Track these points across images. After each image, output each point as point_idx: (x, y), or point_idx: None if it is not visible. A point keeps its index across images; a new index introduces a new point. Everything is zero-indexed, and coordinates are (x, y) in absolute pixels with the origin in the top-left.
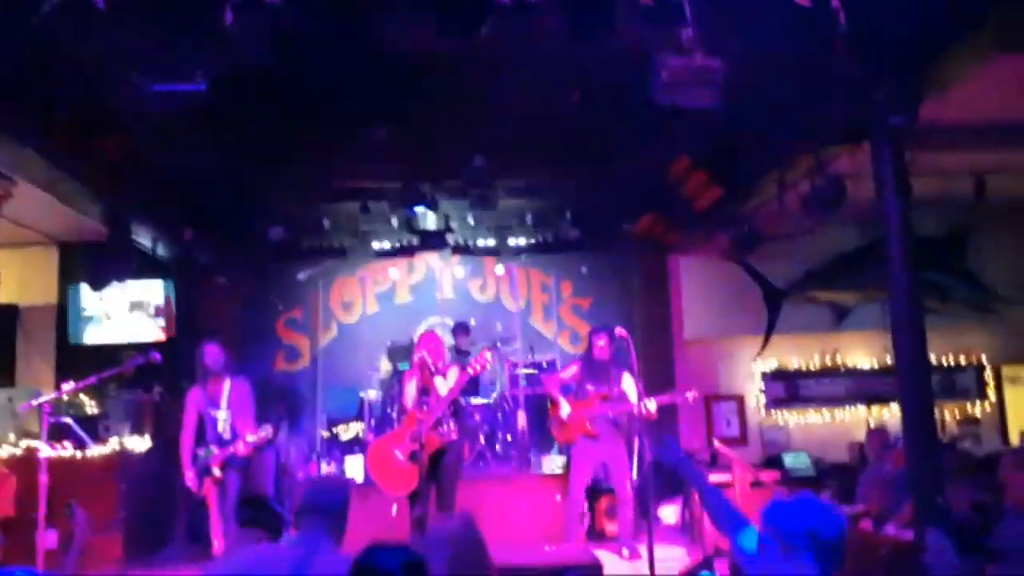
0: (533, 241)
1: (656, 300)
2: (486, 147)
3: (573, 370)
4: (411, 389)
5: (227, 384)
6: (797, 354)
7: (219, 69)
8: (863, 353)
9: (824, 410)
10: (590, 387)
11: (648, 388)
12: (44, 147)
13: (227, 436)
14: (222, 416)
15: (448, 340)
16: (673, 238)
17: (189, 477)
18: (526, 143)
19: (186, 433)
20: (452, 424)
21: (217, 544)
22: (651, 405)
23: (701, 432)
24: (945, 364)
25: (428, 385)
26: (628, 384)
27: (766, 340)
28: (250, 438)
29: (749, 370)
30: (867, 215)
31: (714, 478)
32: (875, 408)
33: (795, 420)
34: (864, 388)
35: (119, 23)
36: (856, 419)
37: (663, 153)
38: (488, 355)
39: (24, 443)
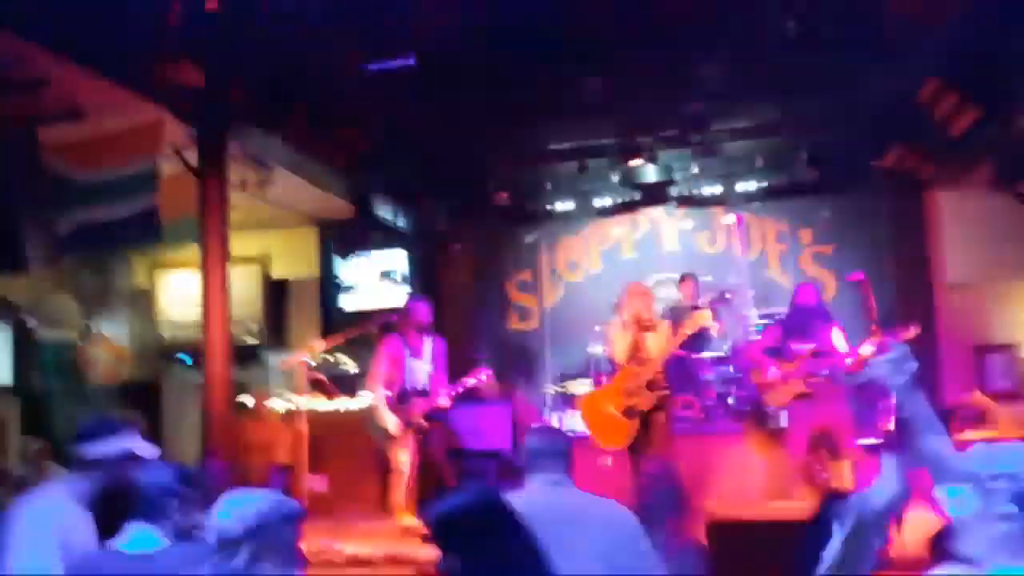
0: (765, 186)
1: (912, 242)
2: (703, 89)
3: (772, 335)
4: (622, 343)
5: (428, 340)
6: None
7: (427, 38)
8: None
9: None
10: (795, 345)
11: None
12: (290, 135)
13: (428, 388)
14: (425, 368)
15: (673, 294)
16: (928, 171)
17: (394, 424)
18: (747, 80)
19: (376, 379)
20: (664, 381)
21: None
22: (865, 350)
23: (969, 386)
24: None
25: (639, 340)
26: (838, 339)
27: None
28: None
29: None
30: None
31: (976, 436)
32: None
33: None
34: None
35: (326, 10)
36: None
37: (908, 76)
38: (703, 315)
39: (297, 399)
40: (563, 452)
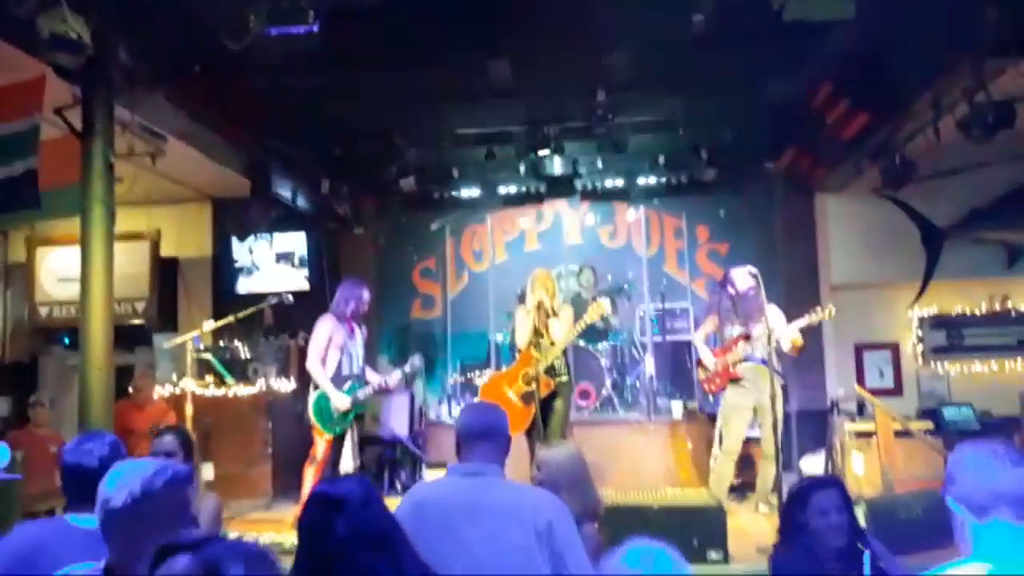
0: (666, 182)
1: (801, 243)
2: (610, 80)
3: (712, 320)
4: (525, 328)
5: (357, 326)
6: (961, 299)
7: (332, 8)
8: None
9: (992, 360)
10: (729, 330)
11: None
12: (184, 103)
13: (362, 374)
14: (360, 352)
15: (573, 286)
16: (819, 175)
17: (343, 401)
18: (652, 74)
19: (317, 359)
20: (565, 368)
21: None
22: (791, 332)
23: (850, 382)
24: None
25: (543, 326)
26: (773, 317)
27: (924, 284)
28: (391, 379)
29: (905, 317)
30: None
31: (855, 426)
32: None
33: (957, 370)
34: None
35: None
36: None
37: (802, 80)
38: (603, 304)
39: (183, 382)
40: (497, 433)
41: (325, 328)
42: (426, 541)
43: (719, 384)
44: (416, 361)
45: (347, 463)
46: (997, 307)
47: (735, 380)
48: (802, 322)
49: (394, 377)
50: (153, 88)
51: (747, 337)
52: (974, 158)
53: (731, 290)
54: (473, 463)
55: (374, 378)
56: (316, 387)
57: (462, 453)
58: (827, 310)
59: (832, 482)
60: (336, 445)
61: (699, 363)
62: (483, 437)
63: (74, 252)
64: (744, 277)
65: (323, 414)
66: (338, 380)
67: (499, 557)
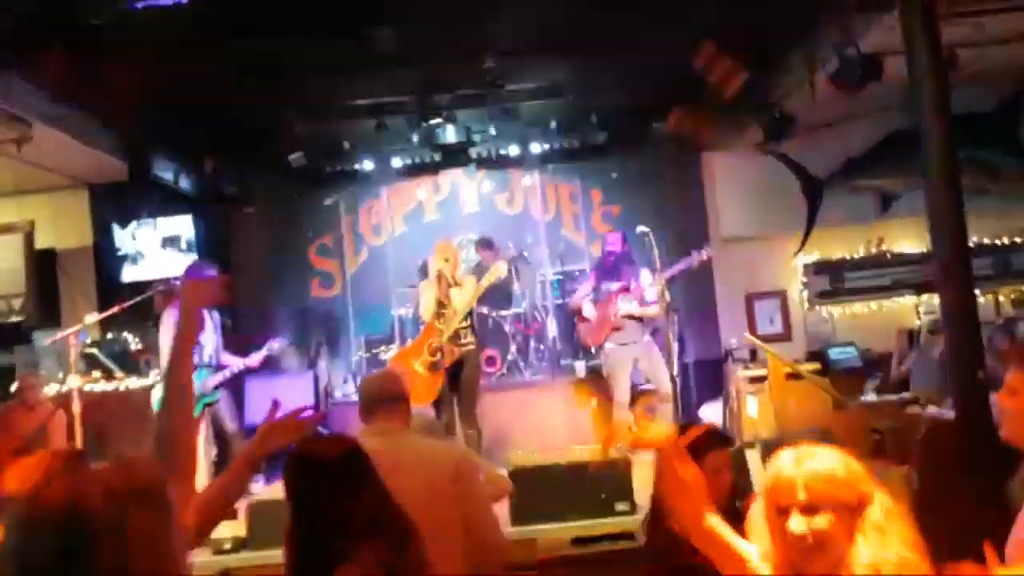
0: (559, 147)
1: (690, 200)
2: (498, 46)
3: (590, 282)
4: (428, 300)
5: (207, 313)
6: (841, 246)
7: None
8: (912, 240)
9: (871, 301)
10: (607, 286)
11: (687, 287)
12: (50, 83)
13: (215, 360)
14: (211, 339)
15: (473, 255)
16: (704, 134)
17: None
18: (539, 39)
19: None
20: (471, 335)
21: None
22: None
23: (742, 330)
24: (1000, 244)
25: (445, 296)
26: (647, 279)
27: (807, 233)
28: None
29: (791, 265)
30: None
31: (748, 373)
32: (925, 296)
33: (840, 312)
34: (913, 276)
35: None
36: (905, 308)
37: (686, 41)
38: (500, 267)
39: (70, 380)
40: (398, 398)
41: (168, 323)
42: None
43: (597, 337)
44: (275, 344)
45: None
46: (874, 250)
47: (616, 329)
48: (676, 268)
49: (254, 358)
50: (11, 68)
51: (626, 289)
52: (847, 111)
53: (606, 251)
54: (385, 423)
55: (234, 361)
56: None
57: (368, 417)
58: (703, 253)
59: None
60: None
61: (579, 316)
62: (388, 401)
63: None
64: (615, 240)
65: None
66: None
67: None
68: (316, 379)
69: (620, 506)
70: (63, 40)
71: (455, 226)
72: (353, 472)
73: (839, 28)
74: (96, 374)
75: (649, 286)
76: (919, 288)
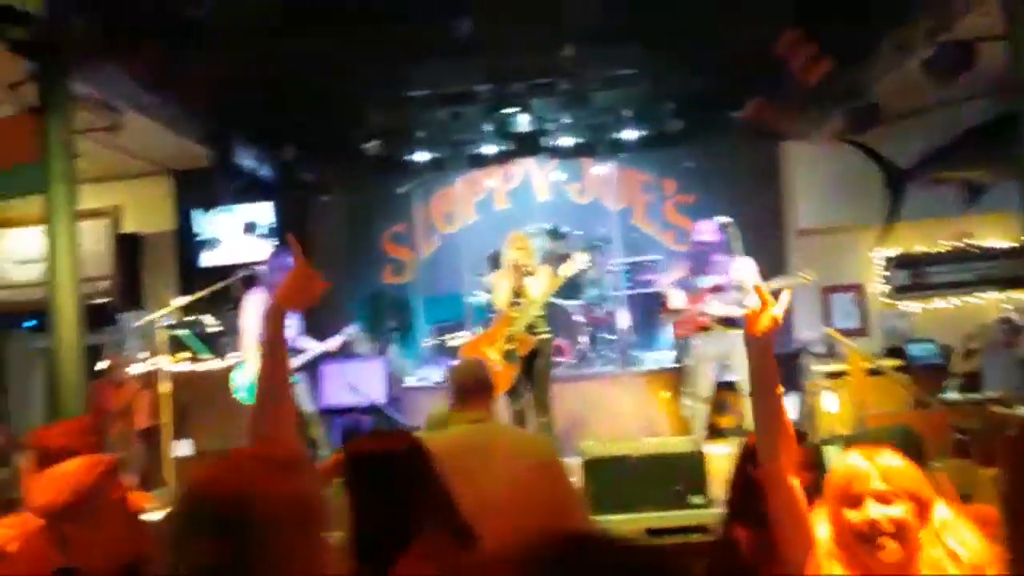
0: (633, 136)
1: (767, 191)
2: (573, 34)
3: (682, 268)
4: (502, 290)
5: None
6: (923, 239)
7: None
8: (998, 235)
9: (953, 297)
10: (698, 280)
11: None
12: (141, 74)
13: (295, 344)
14: (292, 323)
15: (545, 245)
16: (785, 123)
17: None
18: (613, 26)
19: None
20: (545, 325)
21: None
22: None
23: (816, 324)
24: None
25: (520, 286)
26: (744, 269)
27: (888, 225)
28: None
29: (869, 258)
30: (1007, 85)
31: (825, 367)
32: (1011, 293)
33: (920, 308)
34: (998, 271)
35: None
36: (989, 305)
37: (767, 27)
38: (581, 258)
39: (158, 360)
40: (486, 386)
41: (253, 304)
42: None
43: (688, 329)
44: (350, 329)
45: None
46: (957, 244)
47: (705, 329)
48: (780, 282)
49: (332, 342)
50: (108, 60)
51: (719, 288)
52: (929, 100)
53: (698, 241)
54: (473, 411)
55: (314, 345)
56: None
57: (459, 405)
58: (806, 276)
59: None
60: None
61: (664, 307)
62: (478, 389)
63: (33, 233)
64: (711, 229)
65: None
66: None
67: (509, 491)
68: (387, 364)
69: (695, 499)
70: (157, 31)
71: (526, 215)
72: (415, 467)
73: (936, 14)
74: (180, 355)
75: (748, 274)
76: (1004, 284)
